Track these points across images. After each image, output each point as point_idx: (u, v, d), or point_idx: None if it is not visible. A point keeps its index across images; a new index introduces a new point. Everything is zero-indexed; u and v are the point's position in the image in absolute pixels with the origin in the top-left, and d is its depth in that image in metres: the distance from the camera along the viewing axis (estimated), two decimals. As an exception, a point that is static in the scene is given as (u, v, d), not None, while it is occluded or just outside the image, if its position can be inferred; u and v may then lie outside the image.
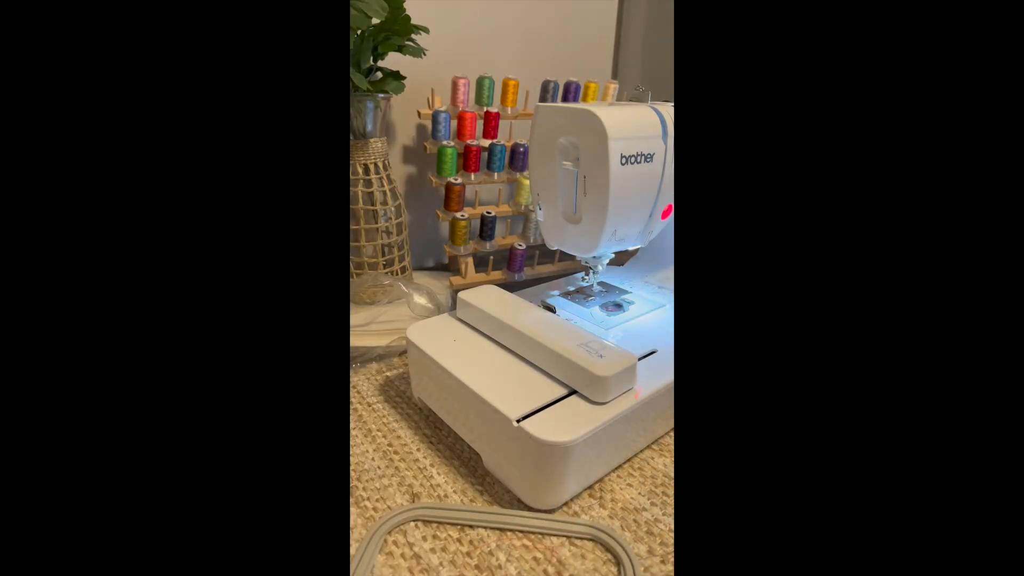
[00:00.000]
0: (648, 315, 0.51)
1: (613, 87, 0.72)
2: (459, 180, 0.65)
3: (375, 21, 0.52)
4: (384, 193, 0.61)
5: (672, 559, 0.33)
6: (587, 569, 0.32)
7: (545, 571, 0.32)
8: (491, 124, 0.67)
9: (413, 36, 0.57)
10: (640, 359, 0.42)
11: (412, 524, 0.35)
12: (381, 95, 0.58)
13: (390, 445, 0.43)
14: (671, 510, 0.37)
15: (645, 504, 0.37)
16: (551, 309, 0.50)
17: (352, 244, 0.61)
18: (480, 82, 0.66)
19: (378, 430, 0.44)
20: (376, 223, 0.62)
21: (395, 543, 0.34)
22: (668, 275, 0.61)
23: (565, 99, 0.70)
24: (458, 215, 0.66)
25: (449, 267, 0.77)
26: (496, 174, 0.68)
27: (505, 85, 0.67)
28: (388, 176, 0.62)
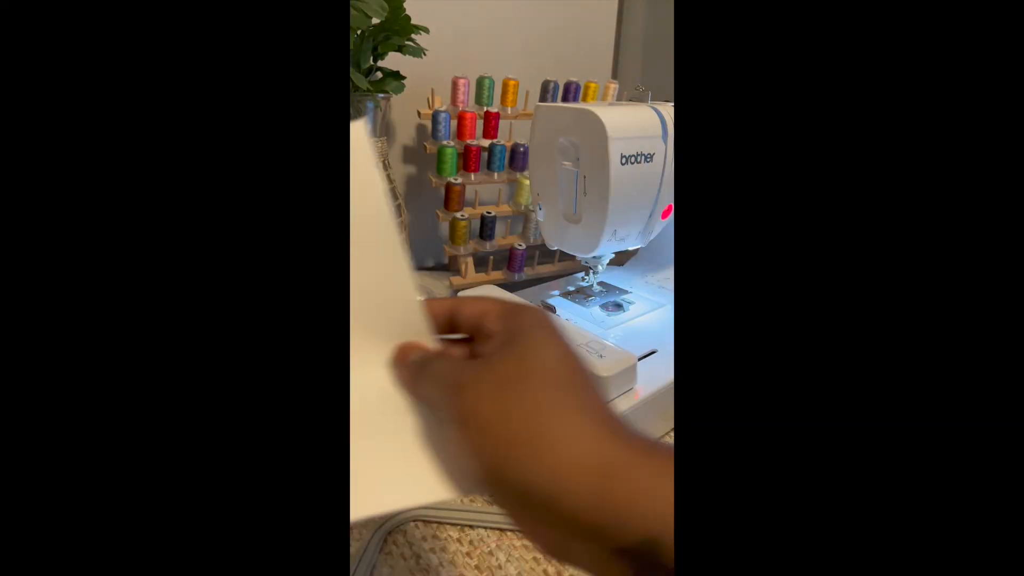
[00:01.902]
0: (648, 315, 0.51)
1: (613, 87, 0.72)
2: (459, 180, 0.65)
3: (375, 21, 0.52)
4: (384, 193, 0.61)
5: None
6: (587, 569, 0.32)
7: (545, 571, 0.32)
8: (491, 124, 0.67)
9: (413, 36, 0.57)
10: (640, 359, 0.42)
11: (412, 524, 0.35)
12: (381, 95, 0.58)
13: (390, 445, 0.43)
14: (671, 510, 0.37)
15: (645, 504, 0.37)
16: (551, 309, 0.50)
17: (352, 244, 0.61)
18: (480, 82, 0.66)
19: (378, 430, 0.44)
20: (376, 223, 0.62)
21: (395, 543, 0.34)
22: (668, 275, 0.61)
23: (565, 99, 0.70)
24: (458, 215, 0.66)
25: (449, 267, 0.77)
26: (496, 174, 0.68)
27: (505, 85, 0.67)
28: (388, 176, 0.62)
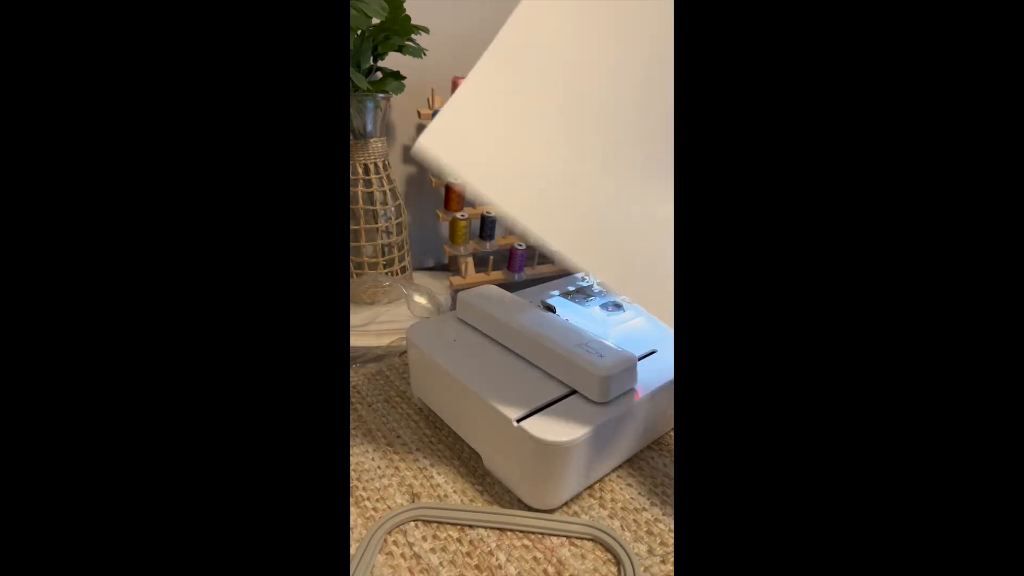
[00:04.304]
0: (648, 315, 0.51)
1: (613, 87, 0.72)
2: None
3: (375, 21, 0.52)
4: (384, 193, 0.61)
5: (672, 559, 0.33)
6: (587, 569, 0.32)
7: (545, 571, 0.32)
8: (491, 124, 0.66)
9: (413, 36, 0.57)
10: (640, 359, 0.42)
11: (412, 524, 0.35)
12: (381, 95, 0.58)
13: (390, 445, 0.43)
14: (671, 510, 0.37)
15: (645, 504, 0.37)
16: (551, 309, 0.50)
17: (352, 244, 0.61)
18: (480, 82, 0.66)
19: (378, 430, 0.44)
20: (376, 223, 0.62)
21: (395, 543, 0.34)
22: (668, 275, 0.61)
23: (565, 99, 0.70)
24: (458, 215, 0.66)
25: (449, 267, 0.77)
26: (496, 174, 0.68)
27: (505, 85, 0.67)
28: (388, 176, 0.62)
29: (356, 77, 0.52)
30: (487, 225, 0.68)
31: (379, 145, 0.61)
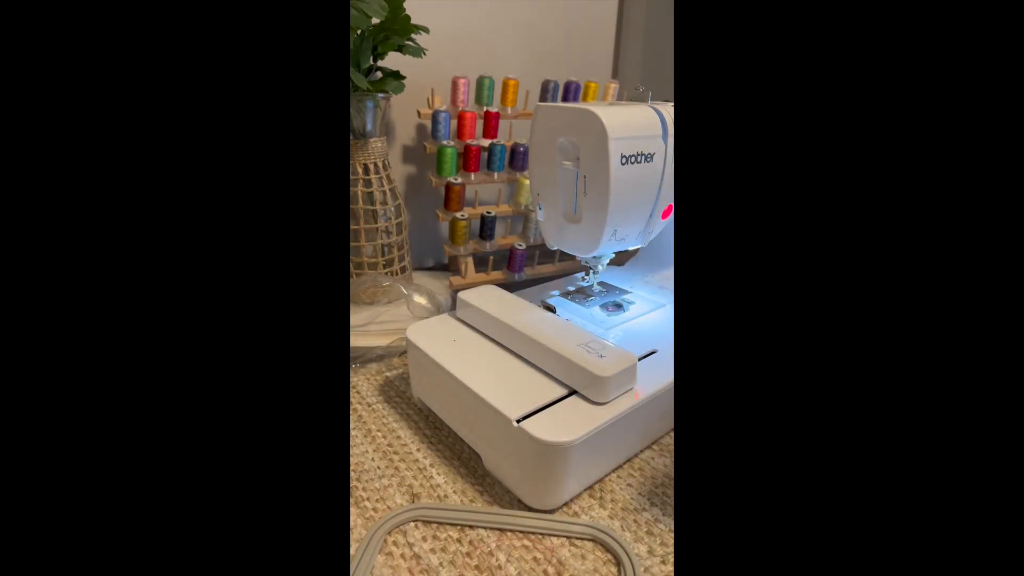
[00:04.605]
0: (648, 315, 0.51)
1: (613, 87, 0.72)
2: (459, 180, 0.65)
3: (375, 21, 0.52)
4: (384, 193, 0.61)
5: (672, 559, 0.33)
6: (587, 569, 0.32)
7: (545, 571, 0.32)
8: (491, 124, 0.67)
9: (413, 36, 0.57)
10: (640, 359, 0.42)
11: (412, 524, 0.35)
12: (381, 95, 0.58)
13: (390, 445, 0.43)
14: (671, 510, 0.37)
15: (645, 504, 0.37)
16: (551, 309, 0.50)
17: (352, 244, 0.61)
18: (480, 82, 0.66)
19: (378, 430, 0.44)
20: (376, 223, 0.62)
21: (395, 543, 0.34)
22: (668, 275, 0.61)
23: (565, 99, 0.70)
24: (458, 215, 0.66)
25: (449, 267, 0.77)
26: (496, 174, 0.68)
27: (505, 85, 0.67)
28: (388, 176, 0.62)
29: (356, 77, 0.52)
30: (487, 225, 0.68)
31: (379, 145, 0.61)
